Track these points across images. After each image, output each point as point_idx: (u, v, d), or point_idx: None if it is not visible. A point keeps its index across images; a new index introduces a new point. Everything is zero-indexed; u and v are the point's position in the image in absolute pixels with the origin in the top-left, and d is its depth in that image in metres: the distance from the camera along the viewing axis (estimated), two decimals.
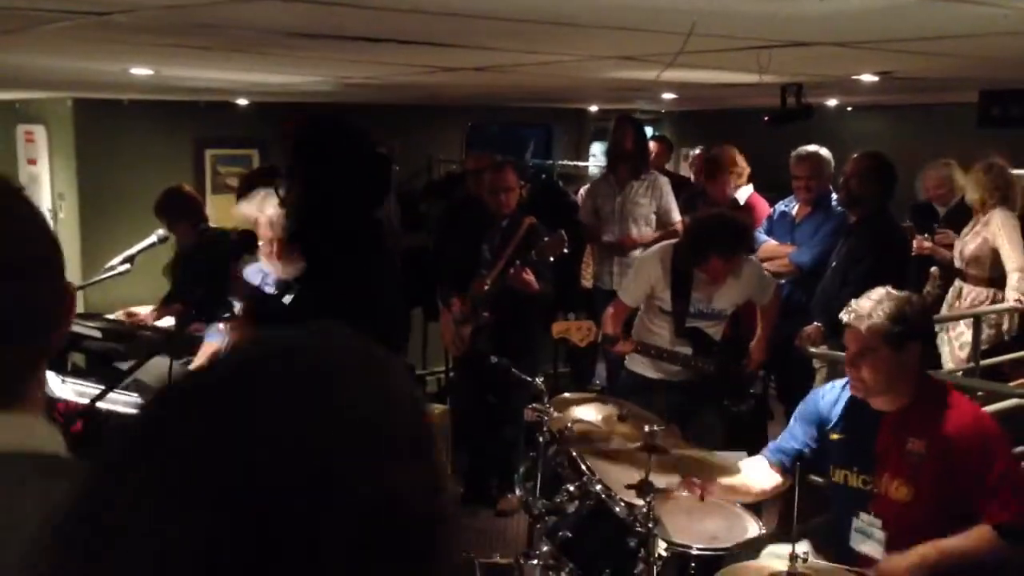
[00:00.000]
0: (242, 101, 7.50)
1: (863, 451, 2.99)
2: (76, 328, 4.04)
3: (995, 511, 2.75)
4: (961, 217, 6.03)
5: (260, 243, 3.58)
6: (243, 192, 4.64)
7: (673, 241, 4.59)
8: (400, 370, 0.71)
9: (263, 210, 3.58)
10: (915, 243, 5.92)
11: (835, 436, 3.10)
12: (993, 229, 5.43)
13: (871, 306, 2.86)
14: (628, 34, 3.15)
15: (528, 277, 4.91)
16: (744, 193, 5.98)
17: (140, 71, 4.64)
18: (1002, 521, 2.74)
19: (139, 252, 4.06)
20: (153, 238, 3.89)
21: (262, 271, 3.70)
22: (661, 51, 3.59)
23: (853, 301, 2.95)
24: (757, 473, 3.25)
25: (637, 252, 5.65)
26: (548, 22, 2.92)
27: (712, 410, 4.48)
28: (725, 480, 3.22)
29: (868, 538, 2.92)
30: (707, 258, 4.26)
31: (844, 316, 2.93)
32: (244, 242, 3.14)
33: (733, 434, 4.46)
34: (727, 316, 4.55)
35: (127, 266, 4.07)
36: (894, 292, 2.91)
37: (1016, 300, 5.29)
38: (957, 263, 5.70)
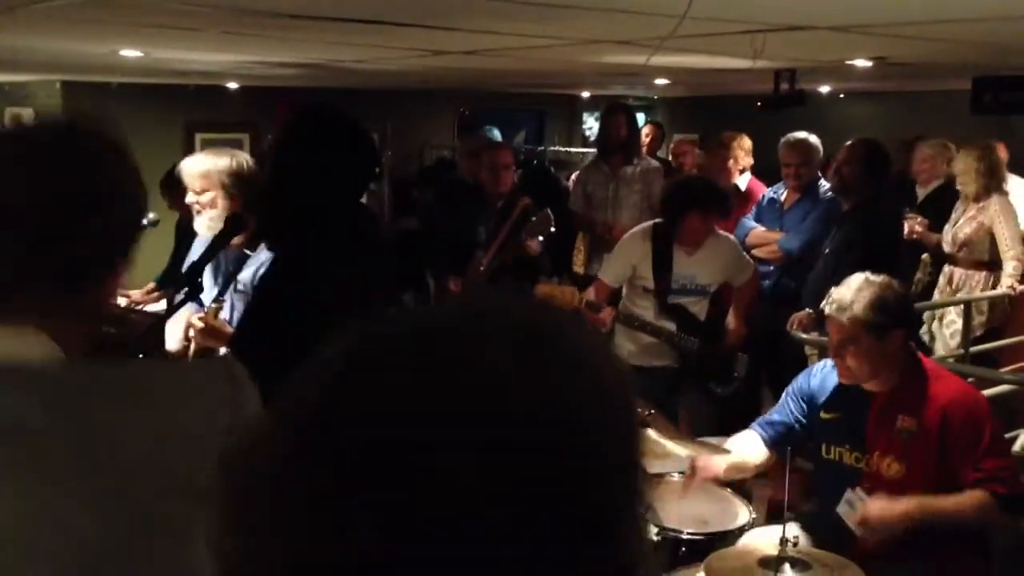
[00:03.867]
0: (232, 85, 7.46)
1: (855, 429, 3.00)
2: None
3: (987, 479, 2.78)
4: (940, 203, 6.01)
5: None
6: None
7: (654, 221, 4.61)
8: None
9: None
10: (907, 225, 5.91)
11: (826, 415, 3.11)
12: (991, 215, 5.42)
13: (851, 296, 2.87)
14: (621, 16, 3.13)
15: (530, 242, 4.92)
16: (744, 180, 6.01)
17: (130, 53, 4.61)
18: (996, 492, 2.77)
19: None
20: (143, 221, 3.86)
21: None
22: (655, 35, 3.58)
23: (834, 290, 2.95)
24: (750, 447, 3.25)
25: None
26: (541, 4, 2.91)
27: (697, 394, 4.49)
28: (727, 458, 3.21)
29: (855, 510, 2.94)
30: (685, 215, 4.30)
31: (826, 307, 2.95)
32: (234, 224, 3.11)
33: (725, 421, 4.46)
34: (709, 293, 4.56)
35: None
36: (873, 279, 2.91)
37: (1010, 287, 5.29)
38: (947, 248, 5.69)
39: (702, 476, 3.18)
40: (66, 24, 3.56)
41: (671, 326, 4.46)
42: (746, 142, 5.96)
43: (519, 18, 3.26)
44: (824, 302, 2.97)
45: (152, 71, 6.07)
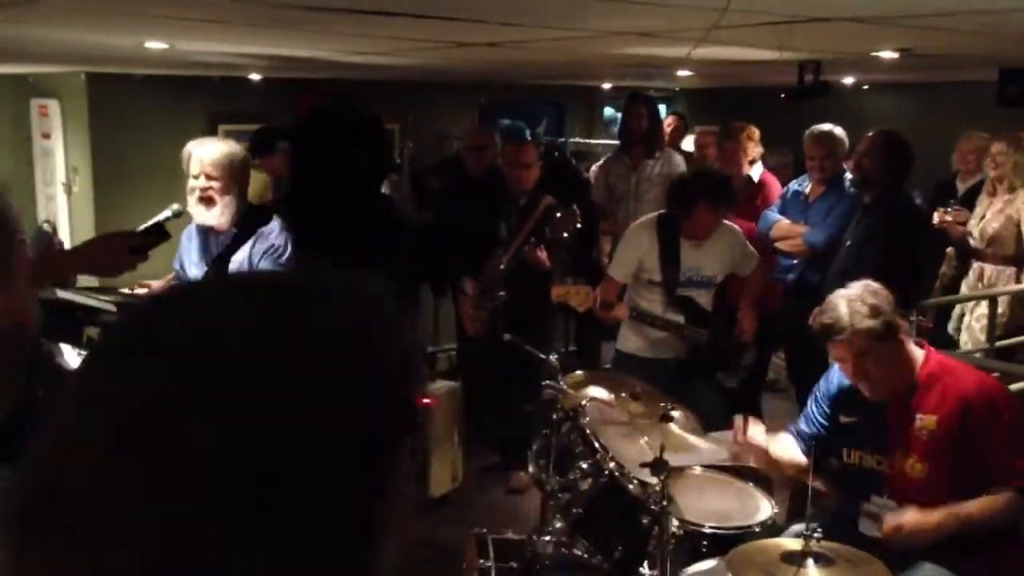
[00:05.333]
0: (255, 76, 7.47)
1: (876, 431, 2.99)
2: (91, 302, 4.04)
3: (1011, 473, 2.76)
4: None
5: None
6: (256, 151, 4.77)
7: (658, 212, 4.60)
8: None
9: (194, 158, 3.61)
10: (936, 215, 5.86)
11: (845, 419, 3.10)
12: (1019, 206, 5.36)
13: (847, 314, 2.87)
14: (652, 10, 3.11)
15: (541, 255, 4.91)
16: (756, 170, 5.99)
17: (155, 45, 4.63)
18: (1020, 484, 2.75)
19: (153, 226, 4.04)
20: (167, 212, 3.85)
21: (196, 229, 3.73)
22: (683, 28, 3.55)
23: (826, 317, 2.93)
24: (794, 450, 3.25)
25: None
26: None
27: (709, 386, 4.48)
28: (776, 452, 3.21)
29: (879, 521, 2.92)
30: (695, 206, 4.32)
31: (823, 336, 2.94)
32: (258, 214, 3.12)
33: (731, 413, 4.46)
34: (716, 285, 4.55)
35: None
36: (854, 292, 2.91)
37: None
38: (975, 244, 5.64)
39: (751, 443, 3.16)
40: (91, 16, 3.57)
41: (679, 319, 4.45)
42: (755, 132, 5.94)
43: (554, 11, 3.25)
44: (821, 332, 2.96)
45: (176, 63, 6.09)
